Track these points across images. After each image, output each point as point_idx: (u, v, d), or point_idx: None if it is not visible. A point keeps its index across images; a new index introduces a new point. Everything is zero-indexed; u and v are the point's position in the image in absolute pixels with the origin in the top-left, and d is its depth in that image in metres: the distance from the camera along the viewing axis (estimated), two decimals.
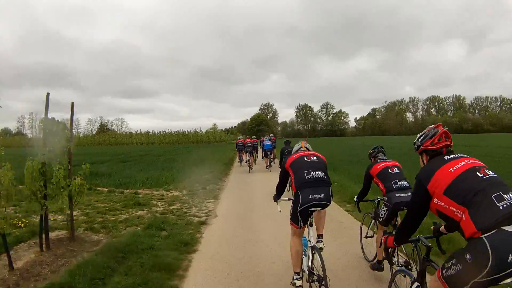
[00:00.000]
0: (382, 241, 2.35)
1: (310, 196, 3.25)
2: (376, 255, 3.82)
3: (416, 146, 2.21)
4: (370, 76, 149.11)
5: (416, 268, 3.03)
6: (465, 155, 1.98)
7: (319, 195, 3.26)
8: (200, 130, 61.47)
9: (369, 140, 50.75)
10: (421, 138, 2.17)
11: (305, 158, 3.49)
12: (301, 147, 3.81)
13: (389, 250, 2.44)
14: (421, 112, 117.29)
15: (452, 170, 1.85)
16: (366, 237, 4.31)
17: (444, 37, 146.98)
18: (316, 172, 3.37)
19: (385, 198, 3.63)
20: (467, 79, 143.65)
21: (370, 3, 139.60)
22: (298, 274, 3.36)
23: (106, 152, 31.19)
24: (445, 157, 1.97)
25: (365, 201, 4.13)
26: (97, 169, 13.84)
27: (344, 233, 5.47)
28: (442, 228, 2.38)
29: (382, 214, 3.62)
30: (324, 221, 4.03)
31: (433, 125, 2.20)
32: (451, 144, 2.11)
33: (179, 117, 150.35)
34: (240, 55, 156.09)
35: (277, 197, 3.81)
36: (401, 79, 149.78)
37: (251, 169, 15.07)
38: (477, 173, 1.81)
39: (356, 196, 4.19)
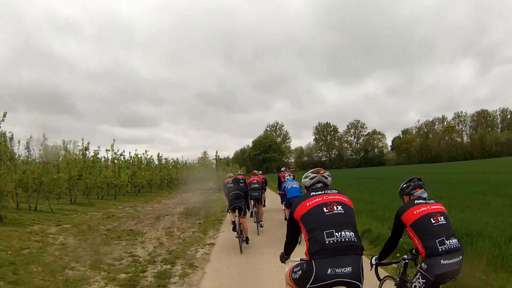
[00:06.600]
0: None
1: (330, 270, 2.20)
2: None
3: None
4: (379, 100, 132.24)
5: None
6: None
7: (343, 270, 2.20)
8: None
9: (424, 169, 37.26)
10: None
11: (324, 208, 2.39)
12: (317, 180, 2.64)
13: None
14: (469, 130, 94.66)
15: None
16: None
17: (455, 57, 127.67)
18: (343, 233, 2.29)
19: (423, 265, 2.49)
20: (476, 100, 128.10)
21: (385, 20, 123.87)
22: None
23: None
24: None
25: (387, 264, 2.99)
26: None
27: None
28: None
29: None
30: None
31: None
32: None
33: (179, 147, 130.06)
34: (244, 79, 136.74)
35: (284, 256, 2.87)
36: (411, 102, 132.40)
37: (259, 228, 8.41)
38: None
39: (374, 257, 3.02)
